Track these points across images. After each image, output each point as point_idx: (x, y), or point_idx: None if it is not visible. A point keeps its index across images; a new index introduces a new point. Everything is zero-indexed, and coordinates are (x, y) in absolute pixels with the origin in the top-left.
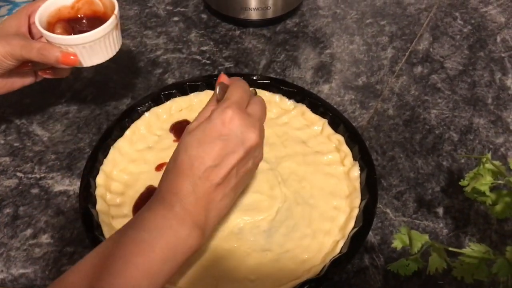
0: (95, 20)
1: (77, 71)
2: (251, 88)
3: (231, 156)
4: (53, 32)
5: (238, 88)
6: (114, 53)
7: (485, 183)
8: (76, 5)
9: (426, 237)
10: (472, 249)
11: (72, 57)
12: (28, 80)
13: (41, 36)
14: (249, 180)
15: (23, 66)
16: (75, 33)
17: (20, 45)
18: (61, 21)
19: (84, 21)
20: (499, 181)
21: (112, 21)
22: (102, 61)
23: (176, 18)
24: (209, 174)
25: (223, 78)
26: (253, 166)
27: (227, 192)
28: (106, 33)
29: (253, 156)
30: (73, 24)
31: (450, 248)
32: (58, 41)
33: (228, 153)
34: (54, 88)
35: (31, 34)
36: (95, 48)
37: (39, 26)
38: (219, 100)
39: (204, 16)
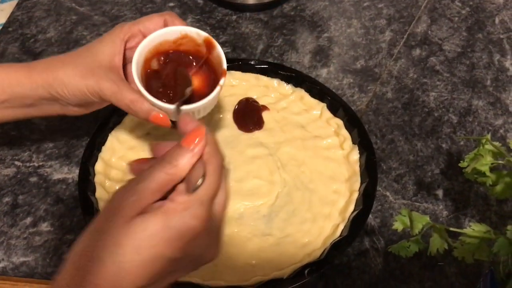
0: (194, 58)
1: None
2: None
3: (174, 275)
4: (146, 70)
5: (213, 177)
6: (204, 114)
7: (485, 163)
8: (179, 41)
9: (427, 218)
10: (473, 229)
11: (162, 116)
12: (105, 103)
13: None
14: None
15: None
16: (168, 69)
17: (111, 91)
18: (158, 55)
19: (182, 56)
20: (499, 161)
21: (215, 94)
22: None
23: (171, 4)
24: None
25: (190, 138)
26: (194, 268)
27: None
28: (205, 104)
29: (201, 262)
30: (171, 56)
31: (451, 229)
32: (153, 103)
33: (172, 271)
34: None
35: (125, 59)
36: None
37: (136, 81)
38: (189, 187)
39: (200, 1)
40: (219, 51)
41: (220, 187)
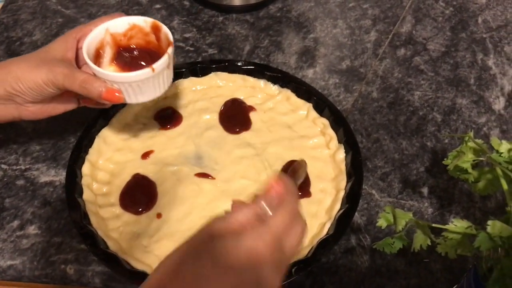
0: (147, 53)
1: None
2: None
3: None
4: (100, 59)
5: (287, 212)
6: (162, 92)
7: (467, 160)
8: (129, 33)
9: (410, 215)
10: (455, 225)
11: (116, 93)
12: (70, 106)
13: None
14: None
15: (67, 93)
16: (124, 64)
17: (64, 74)
18: (111, 48)
19: (135, 52)
20: (481, 158)
21: (164, 61)
22: (148, 100)
23: (158, 6)
24: None
25: (276, 189)
26: None
27: None
28: (156, 73)
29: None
30: (124, 52)
31: (433, 225)
32: (104, 76)
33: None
34: None
35: (77, 59)
36: (143, 87)
37: (85, 57)
38: (259, 214)
39: (186, 2)
40: (166, 31)
41: (293, 228)
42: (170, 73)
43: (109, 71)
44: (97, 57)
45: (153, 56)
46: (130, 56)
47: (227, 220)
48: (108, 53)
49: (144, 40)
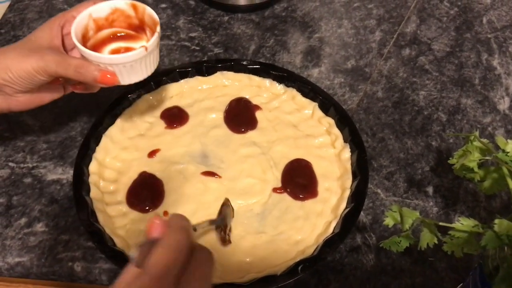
0: (131, 36)
1: None
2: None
3: None
4: (85, 45)
5: (166, 248)
6: (153, 70)
7: (473, 159)
8: (110, 17)
9: (417, 213)
10: (462, 223)
11: (109, 75)
12: (57, 95)
13: (73, 48)
14: None
15: (55, 81)
16: (110, 47)
17: (56, 61)
18: (95, 32)
19: (121, 34)
20: (487, 158)
21: (155, 40)
22: (140, 79)
23: (163, 5)
24: None
25: (154, 227)
26: None
27: None
28: (149, 52)
29: None
30: (110, 36)
31: (440, 223)
32: (97, 60)
33: None
34: None
35: (64, 46)
36: (135, 67)
37: (76, 43)
38: (137, 265)
39: (191, 2)
40: (149, 12)
41: (188, 265)
42: (158, 52)
43: (101, 54)
44: (84, 43)
45: (137, 37)
46: (116, 41)
47: None
48: (93, 38)
49: (126, 22)
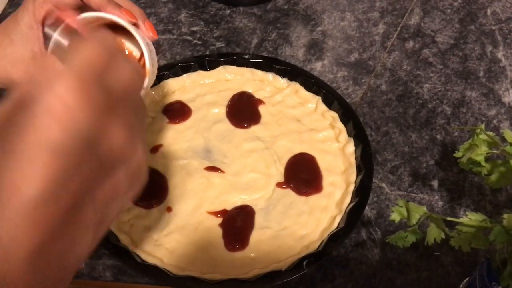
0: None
1: None
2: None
3: (72, 180)
4: None
5: (90, 43)
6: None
7: (480, 153)
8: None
9: (424, 208)
10: (469, 218)
11: None
12: None
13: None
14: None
15: None
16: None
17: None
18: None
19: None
20: (494, 151)
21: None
22: None
23: None
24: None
25: (71, 21)
26: (129, 182)
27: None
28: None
29: (122, 165)
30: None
31: (448, 218)
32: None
33: (67, 174)
34: None
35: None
36: None
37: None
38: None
39: None
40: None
41: (112, 65)
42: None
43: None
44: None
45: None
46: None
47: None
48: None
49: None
